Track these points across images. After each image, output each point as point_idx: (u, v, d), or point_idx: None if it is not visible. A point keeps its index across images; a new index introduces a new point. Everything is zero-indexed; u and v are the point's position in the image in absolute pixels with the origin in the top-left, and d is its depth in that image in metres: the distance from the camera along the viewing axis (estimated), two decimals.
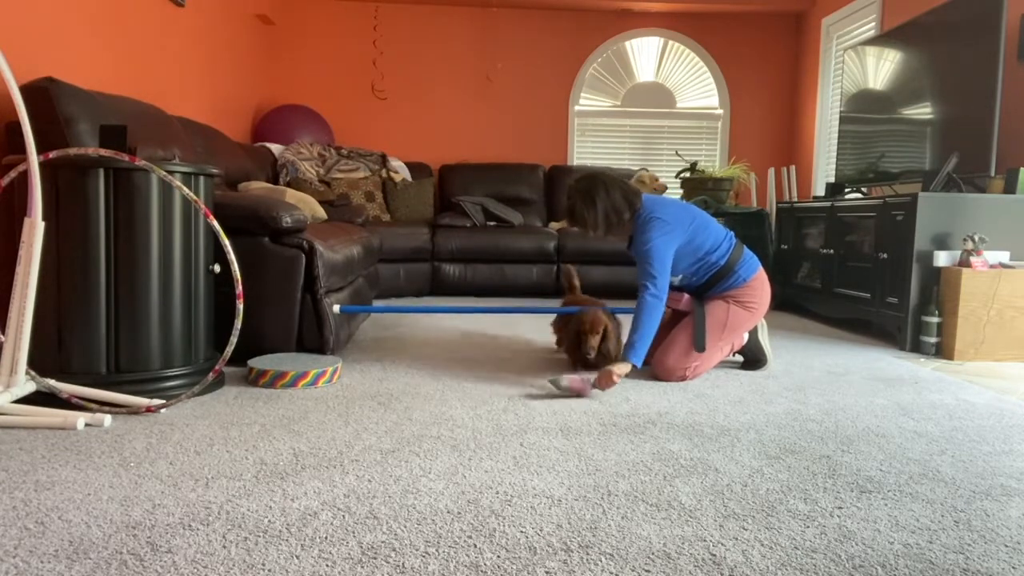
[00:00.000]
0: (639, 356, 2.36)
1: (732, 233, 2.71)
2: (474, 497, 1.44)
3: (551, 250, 4.86)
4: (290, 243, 2.61)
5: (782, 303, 4.64)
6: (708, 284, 2.63)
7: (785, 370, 2.76)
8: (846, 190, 4.43)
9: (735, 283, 2.60)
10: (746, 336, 2.71)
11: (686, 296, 2.68)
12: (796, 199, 5.48)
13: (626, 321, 2.71)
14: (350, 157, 5.29)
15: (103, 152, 1.96)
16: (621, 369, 2.32)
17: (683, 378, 2.52)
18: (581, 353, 2.59)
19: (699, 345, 2.51)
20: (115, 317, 2.08)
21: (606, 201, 2.50)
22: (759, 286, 2.64)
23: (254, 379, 2.34)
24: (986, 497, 1.51)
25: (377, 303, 4.42)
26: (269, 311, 2.59)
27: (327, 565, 1.15)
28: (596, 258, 4.87)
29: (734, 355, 2.76)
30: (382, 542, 1.24)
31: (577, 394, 2.27)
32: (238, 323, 2.01)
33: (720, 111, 6.04)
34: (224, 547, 1.21)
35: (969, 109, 3.37)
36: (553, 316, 3.23)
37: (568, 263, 4.66)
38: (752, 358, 2.75)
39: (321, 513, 1.35)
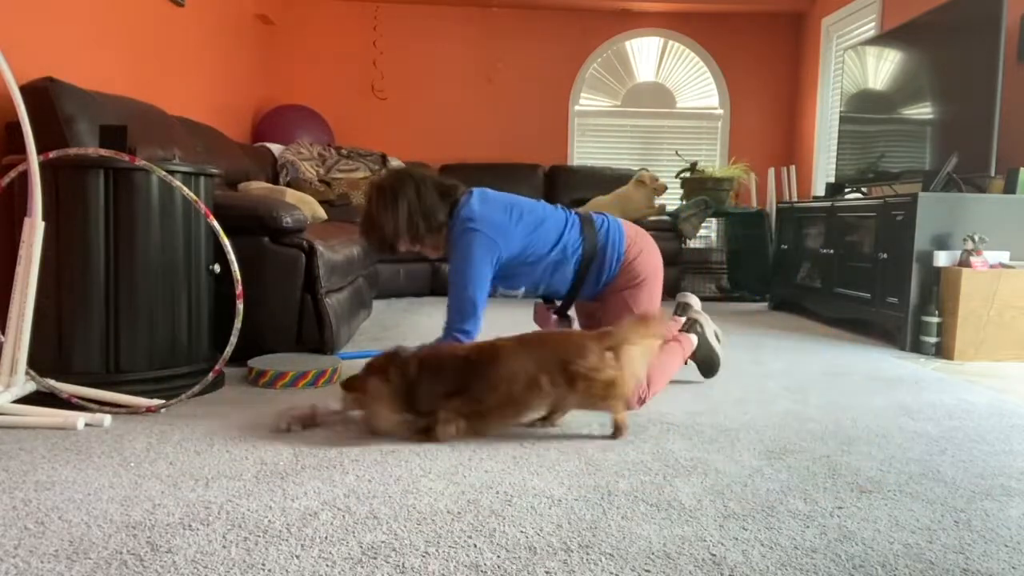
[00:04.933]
0: None
1: (572, 212, 2.20)
2: (474, 497, 1.44)
3: None
4: (290, 243, 2.61)
5: (782, 303, 4.64)
6: (578, 284, 2.16)
7: (785, 370, 2.76)
8: (846, 190, 4.43)
9: (612, 269, 2.14)
10: (695, 339, 2.38)
11: (554, 318, 2.26)
12: (796, 199, 5.48)
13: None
14: (350, 157, 5.29)
15: (103, 152, 1.96)
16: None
17: (641, 402, 2.09)
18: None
19: None
20: (115, 317, 2.08)
21: (413, 201, 1.99)
22: (637, 253, 2.16)
23: (254, 379, 2.34)
24: (986, 497, 1.51)
25: (377, 303, 4.42)
26: (269, 311, 2.59)
27: (327, 565, 1.15)
28: None
29: (686, 362, 2.39)
30: (382, 542, 1.24)
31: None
32: (238, 323, 2.01)
33: (720, 111, 6.04)
34: (224, 547, 1.21)
35: (969, 109, 3.37)
36: None
37: None
38: (707, 363, 2.43)
39: (321, 513, 1.35)
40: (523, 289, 2.18)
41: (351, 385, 1.85)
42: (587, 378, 1.75)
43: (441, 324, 2.06)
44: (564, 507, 1.40)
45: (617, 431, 1.86)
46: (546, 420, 1.93)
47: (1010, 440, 1.91)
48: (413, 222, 2.01)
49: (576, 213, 2.21)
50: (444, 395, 1.79)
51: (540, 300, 2.37)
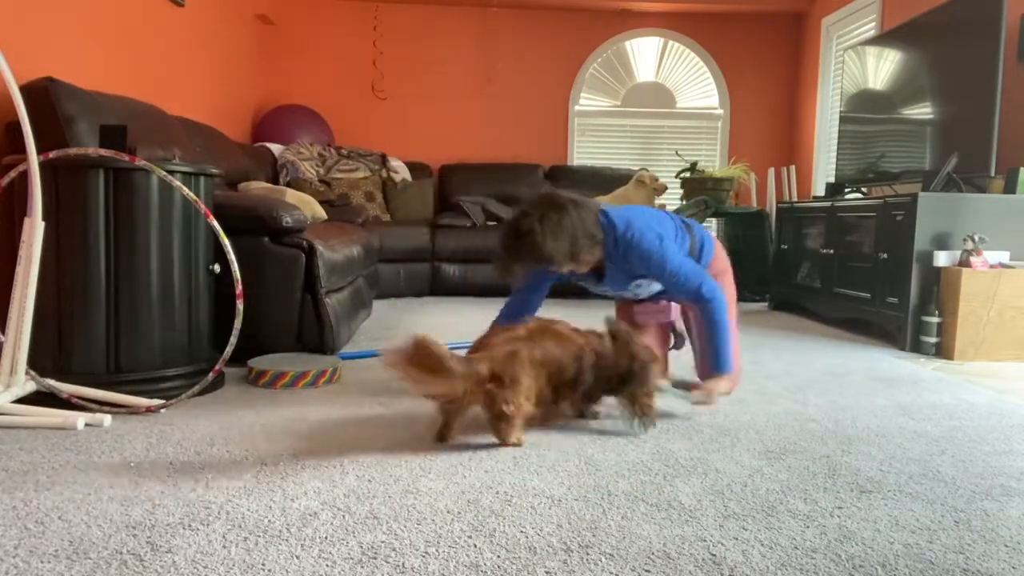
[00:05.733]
0: (730, 363, 2.08)
1: (674, 216, 2.31)
2: (474, 497, 1.44)
3: None
4: (290, 243, 2.61)
5: (782, 303, 4.64)
6: None
7: (785, 370, 2.76)
8: (846, 190, 4.43)
9: (706, 265, 2.28)
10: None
11: (666, 304, 2.35)
12: (796, 199, 5.48)
13: None
14: (350, 157, 5.30)
15: (103, 152, 1.96)
16: (722, 386, 2.05)
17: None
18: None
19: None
20: (115, 317, 2.08)
21: (577, 222, 1.98)
22: (720, 251, 2.34)
23: (254, 379, 2.34)
24: (986, 497, 1.51)
25: (377, 303, 4.42)
26: (269, 311, 2.59)
27: (327, 565, 1.15)
28: None
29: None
30: (382, 542, 1.24)
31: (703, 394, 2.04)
32: (238, 323, 2.01)
33: (720, 111, 6.04)
34: (224, 547, 1.21)
35: (969, 109, 3.37)
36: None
37: None
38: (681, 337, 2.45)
39: (321, 513, 1.35)
40: (638, 293, 2.26)
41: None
42: None
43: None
44: (564, 507, 1.40)
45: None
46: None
47: (1010, 440, 1.91)
48: (578, 243, 2.00)
49: (670, 214, 2.30)
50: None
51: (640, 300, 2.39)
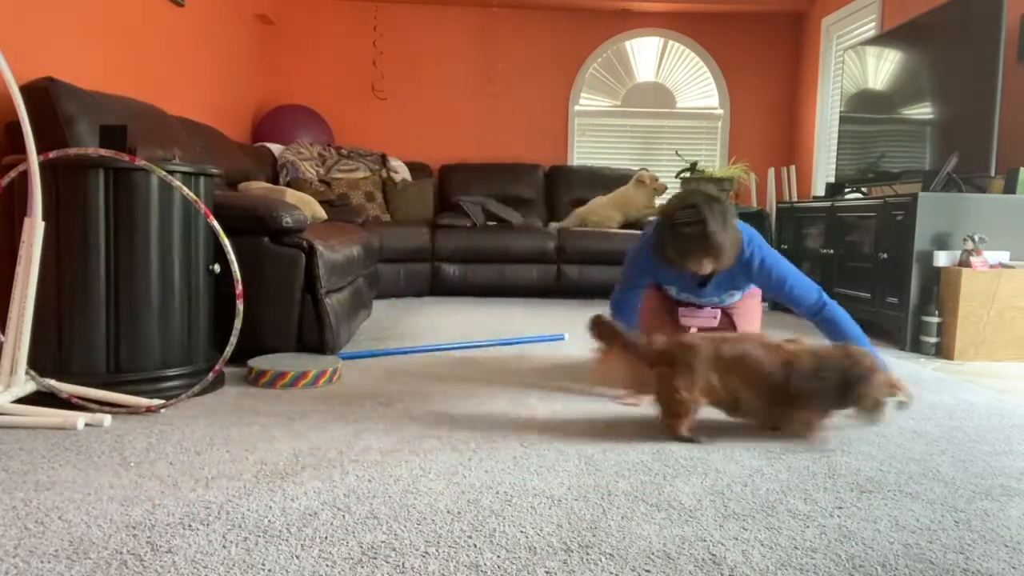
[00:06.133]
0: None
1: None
2: (474, 497, 1.44)
3: (551, 250, 4.85)
4: (290, 243, 2.61)
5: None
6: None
7: None
8: (846, 190, 4.43)
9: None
10: None
11: (708, 311, 2.41)
12: (796, 199, 5.48)
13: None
14: (350, 157, 5.29)
15: (103, 152, 1.96)
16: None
17: None
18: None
19: None
20: (115, 317, 2.08)
21: (732, 219, 2.02)
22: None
23: (254, 379, 2.34)
24: (986, 497, 1.51)
25: (377, 303, 4.42)
26: (269, 311, 2.59)
27: (327, 565, 1.15)
28: (599, 258, 4.85)
29: None
30: (382, 542, 1.24)
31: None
32: (238, 323, 2.01)
33: (720, 111, 6.04)
34: (224, 547, 1.21)
35: (969, 109, 3.37)
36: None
37: (566, 263, 4.67)
38: None
39: (321, 513, 1.35)
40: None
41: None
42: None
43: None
44: (564, 507, 1.40)
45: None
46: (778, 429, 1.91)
47: (1010, 440, 1.91)
48: (737, 239, 2.05)
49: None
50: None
51: (681, 301, 2.44)
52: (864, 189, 4.37)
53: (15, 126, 2.30)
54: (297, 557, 1.18)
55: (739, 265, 2.13)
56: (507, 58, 5.91)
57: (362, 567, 1.15)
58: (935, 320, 3.11)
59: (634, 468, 1.63)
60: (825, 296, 2.13)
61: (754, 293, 2.43)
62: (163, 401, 2.02)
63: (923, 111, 3.74)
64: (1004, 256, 3.14)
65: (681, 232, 1.98)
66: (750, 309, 2.44)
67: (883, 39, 4.20)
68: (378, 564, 1.16)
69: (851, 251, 3.75)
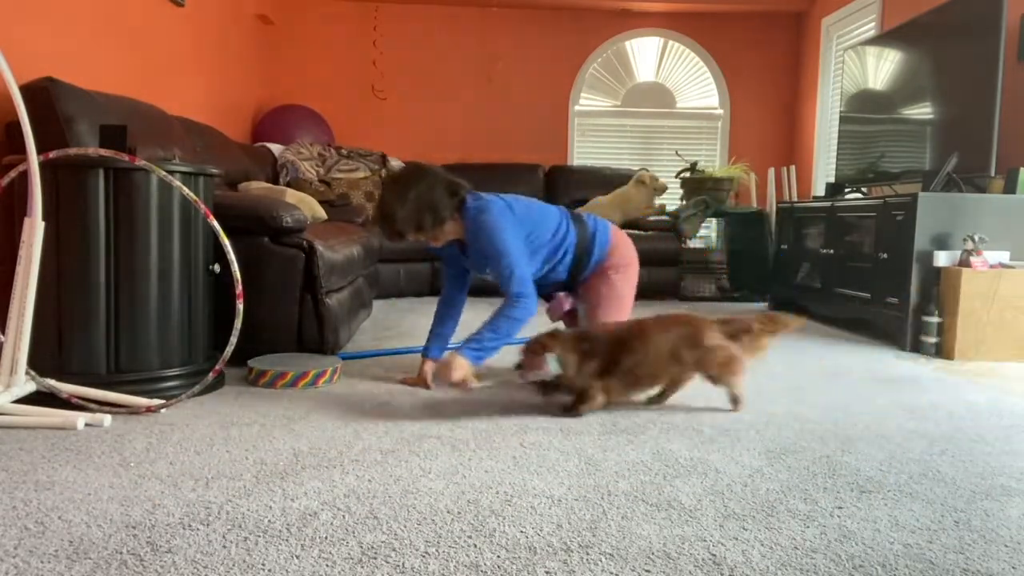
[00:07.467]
0: (482, 359, 2.17)
1: (562, 208, 2.47)
2: (474, 497, 1.44)
3: None
4: (290, 243, 2.61)
5: (782, 303, 4.63)
6: (576, 271, 2.41)
7: (785, 370, 2.76)
8: (846, 190, 4.43)
9: (601, 255, 2.39)
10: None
11: (560, 297, 2.49)
12: (796, 199, 5.48)
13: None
14: (350, 157, 5.29)
15: (103, 152, 1.96)
16: (460, 363, 2.12)
17: None
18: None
19: None
20: (115, 317, 2.08)
21: (424, 194, 2.15)
22: (620, 242, 2.44)
23: (254, 379, 2.34)
24: (986, 497, 1.51)
25: (377, 303, 4.42)
26: (269, 311, 2.59)
27: (327, 565, 1.15)
28: None
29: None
30: (382, 542, 1.24)
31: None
32: (238, 323, 2.01)
33: (720, 111, 6.04)
34: (224, 547, 1.21)
35: (969, 109, 3.37)
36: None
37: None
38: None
39: (321, 513, 1.35)
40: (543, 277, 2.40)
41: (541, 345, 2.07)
42: (711, 354, 2.03)
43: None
44: (564, 507, 1.40)
45: (735, 403, 2.13)
46: (661, 397, 2.18)
47: (1010, 440, 1.91)
48: (421, 214, 2.17)
49: (561, 208, 2.48)
50: (597, 373, 2.00)
51: (559, 294, 2.56)
52: (864, 189, 4.37)
53: (15, 126, 2.30)
54: (297, 557, 1.18)
55: (470, 237, 2.26)
56: (507, 58, 5.91)
57: (362, 567, 1.15)
58: (935, 320, 3.11)
59: (634, 468, 1.63)
60: (522, 293, 2.20)
61: (609, 280, 2.41)
62: (163, 401, 2.02)
63: (923, 111, 3.73)
64: (1004, 256, 3.14)
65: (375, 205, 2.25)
66: (605, 297, 2.40)
67: (883, 39, 4.20)
68: (378, 564, 1.16)
69: (851, 251, 3.75)
